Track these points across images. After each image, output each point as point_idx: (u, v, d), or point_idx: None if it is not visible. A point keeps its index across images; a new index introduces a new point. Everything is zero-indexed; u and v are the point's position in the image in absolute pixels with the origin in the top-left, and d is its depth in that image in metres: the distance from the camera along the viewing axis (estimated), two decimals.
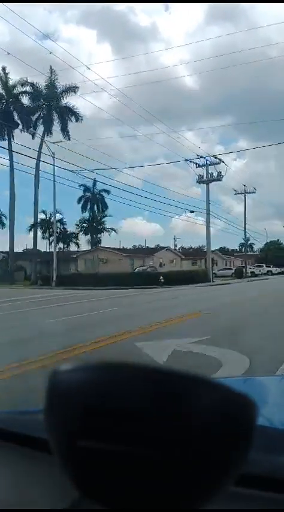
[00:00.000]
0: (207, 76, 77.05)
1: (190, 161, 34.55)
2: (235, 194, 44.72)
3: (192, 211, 39.15)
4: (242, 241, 59.05)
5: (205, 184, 36.16)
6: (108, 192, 36.65)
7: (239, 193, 44.21)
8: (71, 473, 0.42)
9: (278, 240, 71.57)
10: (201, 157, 34.68)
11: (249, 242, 61.54)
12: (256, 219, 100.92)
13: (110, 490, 0.40)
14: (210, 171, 35.68)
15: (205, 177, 35.80)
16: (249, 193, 45.46)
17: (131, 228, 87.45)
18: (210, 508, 0.42)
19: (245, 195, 43.69)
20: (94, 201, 48.14)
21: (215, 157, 36.39)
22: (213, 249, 43.17)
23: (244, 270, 46.25)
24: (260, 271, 52.19)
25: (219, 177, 36.51)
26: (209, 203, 36.58)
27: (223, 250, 68.94)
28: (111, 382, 0.41)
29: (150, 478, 0.39)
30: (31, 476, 0.80)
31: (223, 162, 36.17)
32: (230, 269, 50.25)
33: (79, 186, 40.69)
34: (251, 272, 49.16)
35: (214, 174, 36.12)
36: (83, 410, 0.40)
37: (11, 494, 0.75)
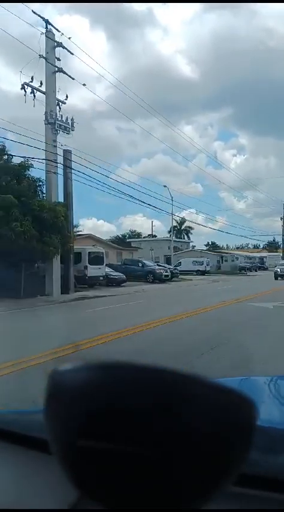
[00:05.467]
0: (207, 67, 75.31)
1: None
2: None
3: None
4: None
5: None
6: None
7: None
8: (71, 473, 0.42)
9: None
10: None
11: None
12: (258, 216, 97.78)
13: (110, 490, 0.40)
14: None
15: None
16: None
17: None
18: (210, 508, 0.42)
19: None
20: None
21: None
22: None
23: None
24: None
25: None
26: None
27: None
28: (110, 382, 0.40)
29: (150, 478, 0.39)
30: (31, 476, 0.80)
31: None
32: None
33: None
34: None
35: None
36: (83, 410, 0.40)
37: (11, 494, 0.75)
